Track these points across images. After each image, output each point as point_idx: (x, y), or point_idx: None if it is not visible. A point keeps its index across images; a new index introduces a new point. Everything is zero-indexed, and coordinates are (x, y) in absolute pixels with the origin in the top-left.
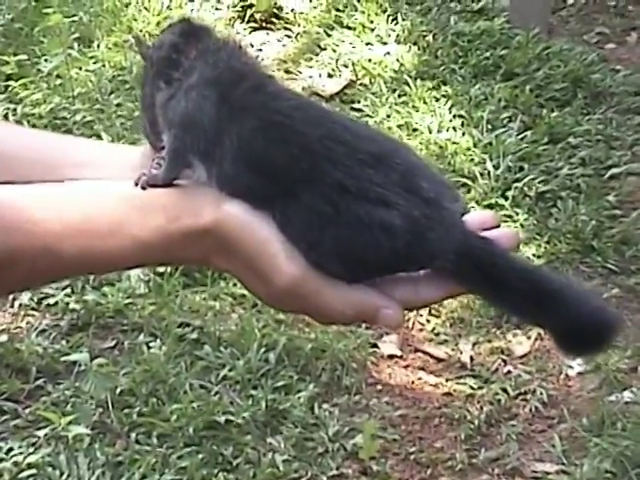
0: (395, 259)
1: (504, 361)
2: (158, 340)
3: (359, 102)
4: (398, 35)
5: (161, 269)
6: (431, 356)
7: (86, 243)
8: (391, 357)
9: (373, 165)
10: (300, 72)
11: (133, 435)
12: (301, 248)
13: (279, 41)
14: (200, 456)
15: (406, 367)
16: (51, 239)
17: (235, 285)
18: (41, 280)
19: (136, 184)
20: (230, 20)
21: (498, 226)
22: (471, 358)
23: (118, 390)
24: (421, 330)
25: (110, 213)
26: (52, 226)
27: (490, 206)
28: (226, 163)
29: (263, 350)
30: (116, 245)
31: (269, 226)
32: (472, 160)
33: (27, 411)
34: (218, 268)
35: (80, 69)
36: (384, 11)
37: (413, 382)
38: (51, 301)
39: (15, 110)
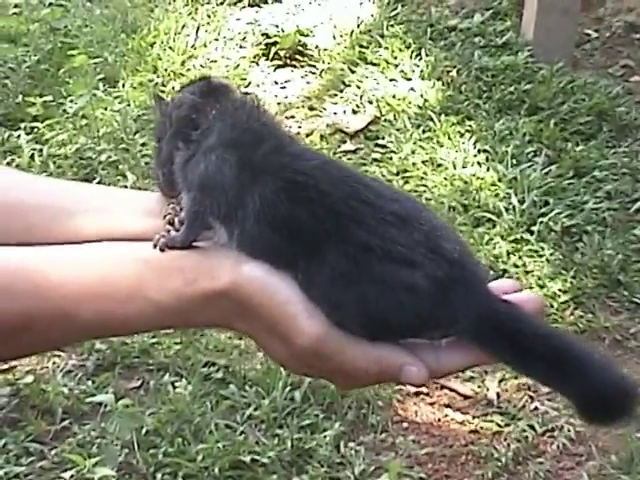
0: (419, 320)
1: (531, 397)
2: (183, 380)
3: (383, 138)
4: (422, 71)
5: None
6: (457, 393)
7: (103, 307)
8: (417, 394)
9: (397, 225)
10: (324, 109)
11: (159, 476)
12: (323, 308)
13: (303, 78)
14: None
15: (432, 404)
16: (67, 303)
17: None
18: (57, 343)
19: (154, 246)
20: (254, 57)
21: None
22: (498, 395)
23: (144, 430)
24: None
25: (127, 276)
26: (69, 290)
27: (516, 241)
28: (248, 224)
29: (288, 389)
30: (133, 309)
31: (289, 287)
32: (497, 195)
33: (53, 452)
34: (239, 331)
35: (105, 109)
36: (408, 47)
37: (439, 420)
38: None
39: (41, 151)
